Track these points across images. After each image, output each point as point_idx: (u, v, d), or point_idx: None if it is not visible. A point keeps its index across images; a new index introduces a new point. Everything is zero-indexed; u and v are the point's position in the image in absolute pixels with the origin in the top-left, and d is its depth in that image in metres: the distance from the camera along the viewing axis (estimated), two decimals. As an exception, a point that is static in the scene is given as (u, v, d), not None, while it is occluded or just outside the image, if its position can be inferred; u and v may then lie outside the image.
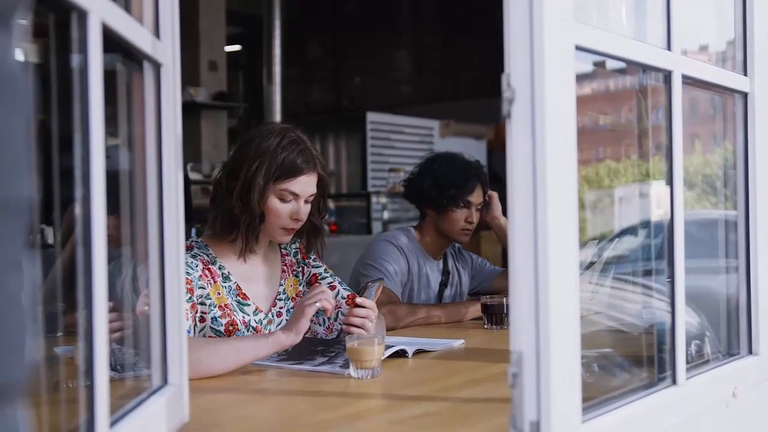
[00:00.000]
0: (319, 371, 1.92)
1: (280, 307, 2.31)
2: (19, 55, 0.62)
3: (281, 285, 2.33)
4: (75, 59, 0.99)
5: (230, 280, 2.21)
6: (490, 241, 6.59)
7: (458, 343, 2.33)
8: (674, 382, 1.49)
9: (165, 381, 1.35)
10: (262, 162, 2.13)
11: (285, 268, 2.36)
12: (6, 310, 0.57)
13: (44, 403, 1.10)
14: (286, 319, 2.27)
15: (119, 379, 1.37)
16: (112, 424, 1.06)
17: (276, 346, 1.96)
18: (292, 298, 2.34)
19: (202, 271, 2.14)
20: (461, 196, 2.95)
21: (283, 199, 2.17)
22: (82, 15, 0.98)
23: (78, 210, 0.98)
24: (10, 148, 0.57)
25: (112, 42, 1.08)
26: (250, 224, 2.17)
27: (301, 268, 2.39)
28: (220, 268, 2.21)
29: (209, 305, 2.13)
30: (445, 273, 3.11)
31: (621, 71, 1.66)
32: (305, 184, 2.19)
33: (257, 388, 1.81)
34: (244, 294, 2.22)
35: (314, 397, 1.73)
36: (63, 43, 1.01)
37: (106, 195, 1.01)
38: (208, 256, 2.20)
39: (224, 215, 2.19)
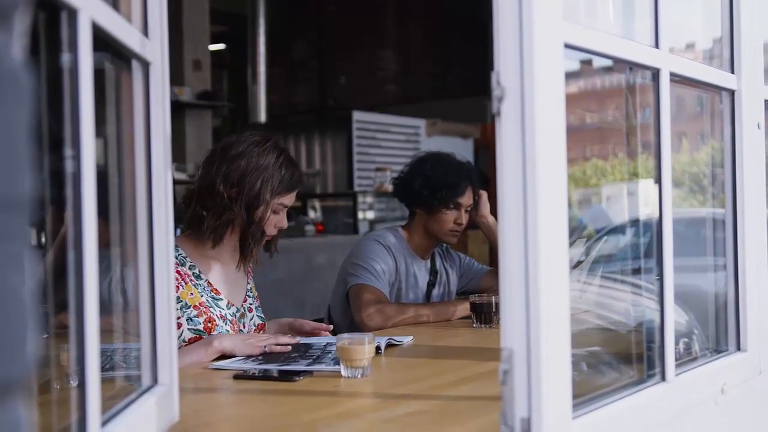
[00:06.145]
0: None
1: (250, 303, 2.41)
2: (19, 54, 0.62)
3: (248, 284, 2.44)
4: (65, 58, 0.98)
5: (202, 279, 2.27)
6: (477, 240, 6.61)
7: (407, 340, 2.33)
8: (663, 378, 1.49)
9: (155, 381, 1.35)
10: (266, 178, 2.22)
11: (249, 269, 2.46)
12: (8, 307, 0.57)
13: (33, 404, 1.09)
14: (257, 315, 2.41)
15: (108, 379, 1.36)
16: (103, 423, 1.06)
17: (215, 352, 2.07)
18: (256, 297, 2.46)
19: None
20: (452, 198, 2.94)
21: (276, 212, 2.28)
22: (72, 13, 0.97)
23: (68, 211, 0.98)
24: (13, 146, 0.57)
25: (100, 40, 1.08)
26: (255, 236, 2.25)
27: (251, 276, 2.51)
28: (190, 268, 2.26)
29: (181, 308, 2.18)
30: (433, 272, 3.11)
31: (607, 69, 1.67)
32: (294, 197, 2.33)
33: (247, 388, 1.81)
34: (216, 289, 2.29)
35: (304, 397, 1.72)
36: (51, 42, 1.00)
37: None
38: (176, 257, 2.23)
39: (224, 226, 2.24)
